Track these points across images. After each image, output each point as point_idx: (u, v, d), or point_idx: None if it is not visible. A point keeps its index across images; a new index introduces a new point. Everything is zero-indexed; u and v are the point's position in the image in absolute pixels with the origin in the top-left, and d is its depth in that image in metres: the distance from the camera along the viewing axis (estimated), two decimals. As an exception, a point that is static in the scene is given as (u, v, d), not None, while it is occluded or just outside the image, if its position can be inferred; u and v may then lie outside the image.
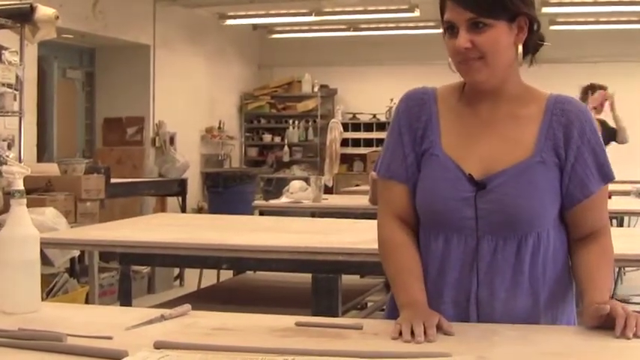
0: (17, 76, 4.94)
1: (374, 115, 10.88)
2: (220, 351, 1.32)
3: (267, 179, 9.99)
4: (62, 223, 4.70)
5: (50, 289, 4.80)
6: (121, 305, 3.27)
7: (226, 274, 4.48)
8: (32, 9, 4.89)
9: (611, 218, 2.64)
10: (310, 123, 11.25)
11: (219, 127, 10.48)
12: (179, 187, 7.45)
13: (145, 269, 6.10)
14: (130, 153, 8.76)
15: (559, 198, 1.59)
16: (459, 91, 1.67)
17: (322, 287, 2.82)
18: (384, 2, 9.24)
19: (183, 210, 7.39)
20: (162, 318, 1.56)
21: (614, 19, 9.52)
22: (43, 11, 4.94)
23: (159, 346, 1.34)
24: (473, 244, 1.58)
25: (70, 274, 5.04)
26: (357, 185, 7.56)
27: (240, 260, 3.03)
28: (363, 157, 10.66)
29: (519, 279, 1.57)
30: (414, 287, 1.59)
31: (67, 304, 2.17)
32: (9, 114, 5.05)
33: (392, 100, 9.67)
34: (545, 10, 8.52)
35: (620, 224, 5.74)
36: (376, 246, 1.70)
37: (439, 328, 1.44)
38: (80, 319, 1.58)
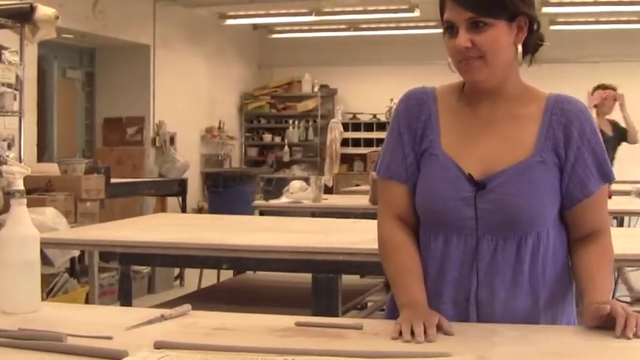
0: (17, 76, 4.94)
1: (374, 115, 10.88)
2: (220, 351, 1.31)
3: (267, 179, 9.99)
4: (62, 223, 4.70)
5: (50, 289, 4.80)
6: (121, 305, 3.27)
7: (226, 274, 4.48)
8: (32, 9, 4.89)
9: (611, 218, 2.64)
10: (310, 123, 11.25)
11: (219, 127, 10.48)
12: (179, 187, 7.45)
13: (145, 269, 6.10)
14: (130, 153, 8.76)
15: (559, 198, 1.59)
16: (458, 91, 1.66)
17: (322, 287, 2.82)
18: (384, 2, 9.25)
19: (184, 210, 7.39)
20: (163, 318, 1.56)
21: (614, 19, 9.52)
22: (43, 11, 4.94)
23: (159, 346, 1.34)
24: (473, 244, 1.58)
25: (70, 274, 5.04)
26: (357, 185, 7.56)
27: (240, 260, 3.03)
28: (363, 157, 10.66)
29: (519, 279, 1.57)
30: (414, 287, 1.59)
31: (67, 304, 2.16)
32: (9, 114, 5.05)
33: (392, 100, 9.66)
34: (545, 10, 8.52)
35: (620, 224, 5.74)
36: (376, 246, 1.70)
37: (439, 328, 1.44)
38: (80, 319, 1.58)
